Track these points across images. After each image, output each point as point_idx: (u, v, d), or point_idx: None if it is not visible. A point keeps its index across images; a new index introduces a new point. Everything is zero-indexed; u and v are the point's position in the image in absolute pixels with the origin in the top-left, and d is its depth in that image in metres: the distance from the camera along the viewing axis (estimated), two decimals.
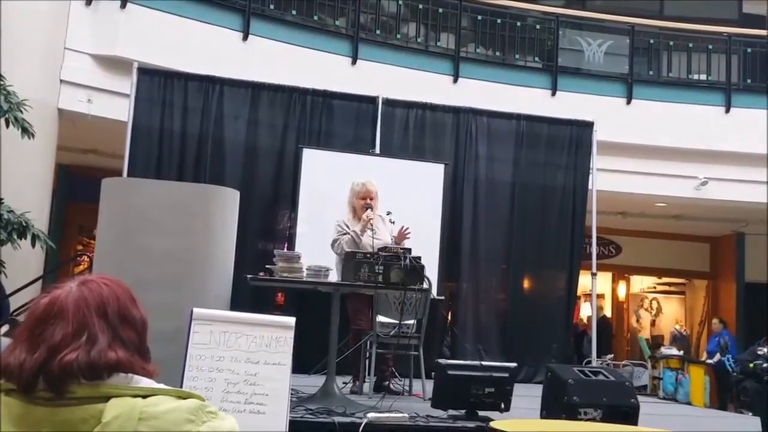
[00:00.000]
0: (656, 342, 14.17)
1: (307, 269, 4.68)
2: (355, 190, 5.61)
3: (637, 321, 13.87)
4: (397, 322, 5.29)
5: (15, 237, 5.91)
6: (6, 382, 1.36)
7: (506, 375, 4.43)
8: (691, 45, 10.21)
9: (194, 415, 1.33)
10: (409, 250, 4.91)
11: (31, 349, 1.33)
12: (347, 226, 5.50)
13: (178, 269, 3.89)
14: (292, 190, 7.31)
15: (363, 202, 5.50)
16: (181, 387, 2.63)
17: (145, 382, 1.37)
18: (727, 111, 9.88)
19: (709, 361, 11.56)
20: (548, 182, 8.15)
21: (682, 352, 12.06)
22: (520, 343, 7.74)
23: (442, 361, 4.66)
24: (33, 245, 6.04)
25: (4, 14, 6.67)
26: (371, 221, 5.39)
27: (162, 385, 1.38)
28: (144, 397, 1.33)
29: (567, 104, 9.09)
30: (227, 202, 4.26)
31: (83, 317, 1.36)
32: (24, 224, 5.95)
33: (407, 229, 5.43)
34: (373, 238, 5.23)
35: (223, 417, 1.38)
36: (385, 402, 4.70)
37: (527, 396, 4.83)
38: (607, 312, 13.93)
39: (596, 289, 8.32)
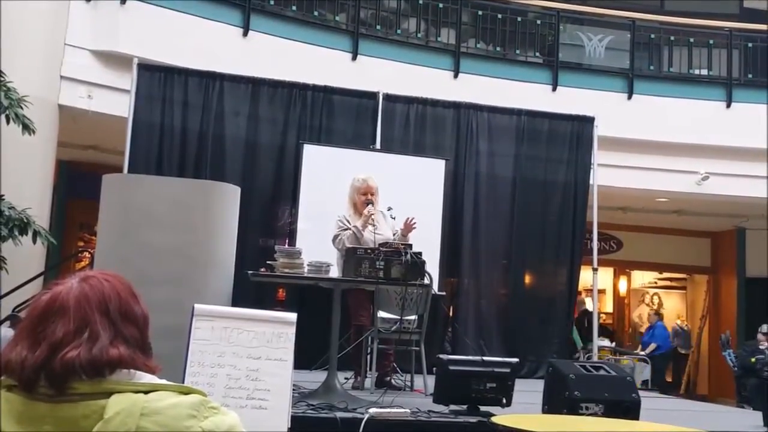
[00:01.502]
0: None
1: (308, 265, 4.69)
2: (355, 185, 5.60)
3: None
4: (398, 317, 5.29)
5: (16, 233, 5.90)
6: (7, 379, 1.36)
7: (508, 370, 4.43)
8: (692, 40, 10.19)
9: (196, 411, 1.33)
10: (410, 246, 4.92)
11: (33, 347, 1.33)
12: (348, 222, 5.50)
13: (179, 265, 3.89)
14: (292, 186, 7.31)
15: (364, 197, 5.50)
16: (183, 383, 2.63)
17: (147, 378, 1.37)
18: (728, 106, 9.87)
19: (642, 353, 11.64)
20: (549, 178, 8.14)
21: (614, 344, 12.17)
22: (521, 339, 7.75)
23: (443, 356, 4.66)
24: (34, 241, 6.04)
25: (4, 11, 6.66)
26: (372, 216, 5.39)
27: (164, 381, 1.38)
28: (146, 392, 1.32)
29: (568, 99, 9.08)
30: (228, 198, 4.26)
31: (84, 314, 1.36)
32: (25, 220, 5.95)
33: (413, 219, 5.41)
34: (374, 233, 5.23)
35: (225, 412, 1.37)
36: (386, 397, 4.71)
37: (529, 391, 4.84)
38: (609, 307, 13.96)
39: (597, 285, 8.32)
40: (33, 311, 1.38)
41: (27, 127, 5.99)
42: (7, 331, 3.36)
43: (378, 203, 5.58)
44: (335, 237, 5.46)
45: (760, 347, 9.69)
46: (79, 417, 1.30)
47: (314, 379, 5.05)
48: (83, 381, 1.31)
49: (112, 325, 1.37)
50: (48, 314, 1.36)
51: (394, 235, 5.45)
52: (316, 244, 5.76)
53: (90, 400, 1.30)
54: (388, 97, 7.80)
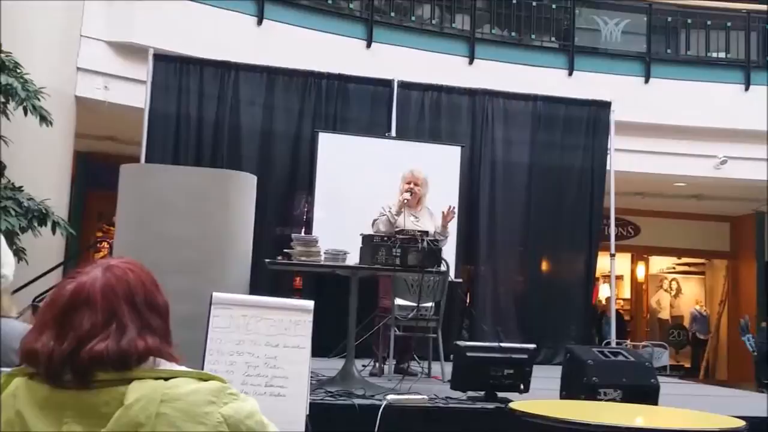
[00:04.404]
0: (676, 322, 14.14)
1: (324, 253, 4.70)
2: (403, 175, 5.70)
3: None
4: (416, 304, 5.30)
5: (35, 224, 5.95)
6: (27, 367, 1.36)
7: (525, 356, 4.43)
8: (709, 22, 10.07)
9: (216, 397, 1.34)
10: (427, 233, 4.92)
11: (59, 337, 1.33)
12: (390, 210, 5.54)
13: (197, 254, 3.91)
14: (308, 175, 7.33)
15: (407, 186, 5.60)
16: (202, 370, 2.65)
17: (168, 366, 1.38)
18: (747, 89, 9.76)
19: None
20: (566, 163, 8.10)
21: None
22: (538, 325, 7.72)
23: (460, 343, 4.66)
24: (53, 232, 6.09)
25: (19, 4, 6.70)
26: (406, 201, 5.44)
27: (184, 368, 1.39)
28: (166, 379, 1.33)
29: (584, 84, 9.01)
30: (245, 187, 4.27)
31: (112, 306, 1.36)
32: (44, 211, 5.99)
33: (453, 207, 5.55)
34: (415, 224, 5.30)
35: (245, 399, 1.38)
36: (404, 384, 4.72)
37: (546, 377, 4.82)
38: (627, 293, 13.90)
39: (615, 271, 8.28)
40: (57, 300, 1.38)
41: (44, 119, 6.03)
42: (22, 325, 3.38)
43: (426, 197, 5.66)
44: (373, 222, 5.52)
45: None
46: (101, 404, 1.30)
47: (332, 366, 5.07)
48: (108, 371, 1.32)
49: (139, 316, 1.38)
50: (74, 305, 1.35)
51: (436, 230, 5.50)
52: (332, 232, 5.77)
53: (111, 387, 1.31)
54: (403, 85, 7.78)
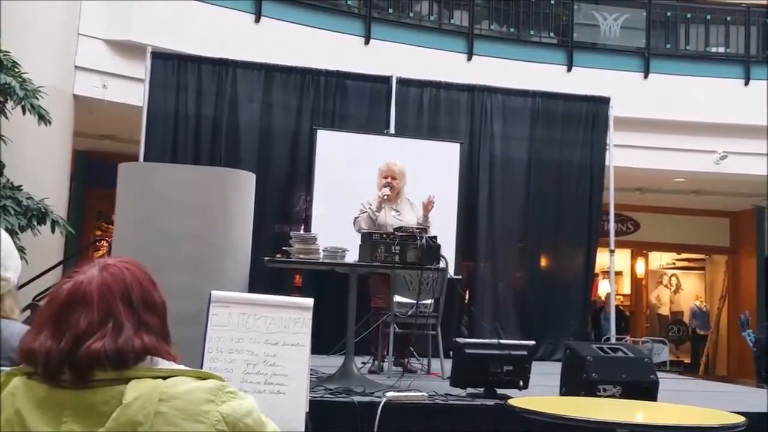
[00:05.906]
0: (676, 318, 14.14)
1: (323, 250, 4.70)
2: (379, 169, 5.68)
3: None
4: (415, 301, 5.30)
5: (35, 223, 5.95)
6: (25, 366, 1.37)
7: (524, 353, 4.43)
8: (708, 17, 10.06)
9: (214, 395, 1.34)
10: (426, 230, 4.92)
11: (56, 336, 1.33)
12: (370, 206, 5.53)
13: (196, 252, 3.91)
14: (307, 172, 7.32)
15: (385, 180, 5.56)
16: (201, 369, 2.65)
17: (166, 364, 1.38)
18: (747, 83, 9.75)
19: None
20: (565, 159, 8.10)
21: None
22: (538, 321, 7.73)
23: (460, 339, 4.66)
24: (53, 231, 6.09)
25: (17, 2, 6.68)
26: (386, 197, 5.43)
27: (182, 367, 1.39)
28: (164, 378, 1.34)
29: (583, 80, 9.00)
30: (243, 184, 4.27)
31: (108, 304, 1.36)
32: (43, 210, 5.99)
33: (431, 197, 5.47)
34: (396, 218, 5.28)
35: (243, 396, 1.39)
36: (403, 381, 4.72)
37: (546, 374, 4.83)
38: (626, 289, 13.90)
39: (614, 266, 8.27)
40: (55, 300, 1.38)
41: (43, 118, 6.02)
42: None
43: (403, 189, 5.62)
44: (354, 219, 5.51)
45: None
46: (99, 402, 1.31)
47: (332, 364, 5.07)
48: (106, 370, 1.32)
49: (136, 315, 1.38)
50: (71, 304, 1.36)
51: (418, 221, 5.48)
52: (331, 229, 5.76)
53: (109, 386, 1.32)
54: (402, 81, 7.77)
